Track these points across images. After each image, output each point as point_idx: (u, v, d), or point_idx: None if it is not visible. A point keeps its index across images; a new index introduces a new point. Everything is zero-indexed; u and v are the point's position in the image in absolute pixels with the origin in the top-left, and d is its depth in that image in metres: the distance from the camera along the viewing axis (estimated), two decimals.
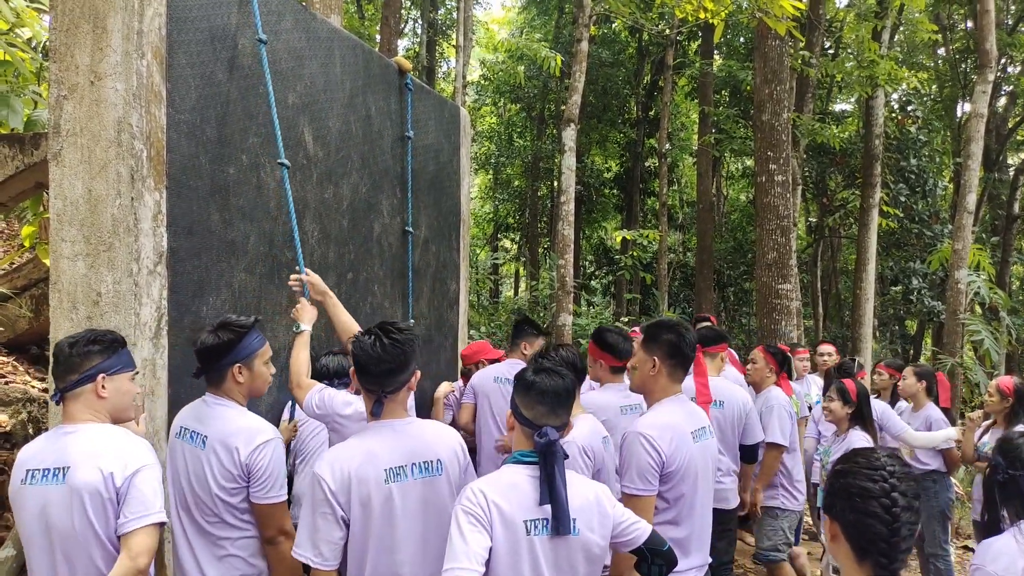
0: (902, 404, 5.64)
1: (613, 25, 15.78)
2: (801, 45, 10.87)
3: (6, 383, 4.64)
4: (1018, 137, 17.26)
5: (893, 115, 14.47)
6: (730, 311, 16.15)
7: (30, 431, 4.24)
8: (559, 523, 2.09)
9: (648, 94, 16.87)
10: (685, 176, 19.23)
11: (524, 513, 2.11)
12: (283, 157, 3.38)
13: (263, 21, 3.39)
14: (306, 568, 2.31)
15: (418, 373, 2.46)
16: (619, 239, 15.36)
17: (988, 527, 2.66)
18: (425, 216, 5.20)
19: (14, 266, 5.38)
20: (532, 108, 17.71)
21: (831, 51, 14.46)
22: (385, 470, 2.25)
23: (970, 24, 16.20)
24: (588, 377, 3.88)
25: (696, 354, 3.21)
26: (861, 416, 4.40)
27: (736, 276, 15.58)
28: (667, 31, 13.88)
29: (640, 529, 2.26)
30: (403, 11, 16.32)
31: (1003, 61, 15.47)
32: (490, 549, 2.06)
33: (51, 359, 2.36)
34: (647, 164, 17.18)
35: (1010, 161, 18.48)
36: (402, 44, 18.14)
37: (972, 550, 6.56)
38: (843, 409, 4.42)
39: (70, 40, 2.74)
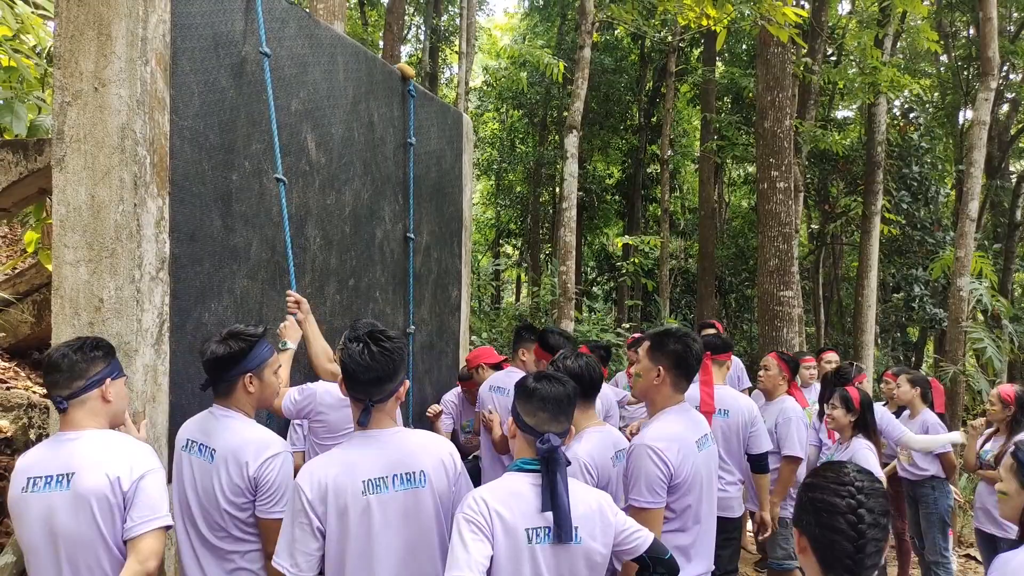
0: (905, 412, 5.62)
1: (616, 32, 15.83)
2: (803, 52, 10.88)
3: (8, 389, 4.64)
4: (1020, 144, 17.25)
5: (895, 122, 14.49)
6: (732, 318, 16.14)
7: (31, 437, 4.24)
8: (561, 531, 2.09)
9: (650, 101, 16.91)
10: (687, 183, 19.27)
11: (526, 521, 2.10)
12: (280, 172, 3.37)
13: (267, 28, 3.39)
14: None
15: (407, 383, 2.41)
16: (621, 245, 15.34)
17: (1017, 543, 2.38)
18: (427, 222, 5.20)
19: (17, 271, 5.40)
20: (534, 114, 17.75)
21: (833, 58, 14.47)
22: (363, 481, 2.18)
23: (972, 31, 16.25)
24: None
25: (703, 361, 3.17)
26: (864, 424, 4.32)
27: (738, 283, 15.58)
28: (669, 38, 13.92)
29: (642, 538, 2.26)
30: (406, 17, 16.39)
31: (1005, 68, 15.48)
32: (491, 557, 2.05)
33: (48, 367, 2.31)
34: (649, 170, 17.21)
35: (1012, 168, 18.48)
36: (405, 50, 18.20)
37: (975, 559, 6.52)
38: (846, 417, 4.33)
39: (74, 46, 2.75)
